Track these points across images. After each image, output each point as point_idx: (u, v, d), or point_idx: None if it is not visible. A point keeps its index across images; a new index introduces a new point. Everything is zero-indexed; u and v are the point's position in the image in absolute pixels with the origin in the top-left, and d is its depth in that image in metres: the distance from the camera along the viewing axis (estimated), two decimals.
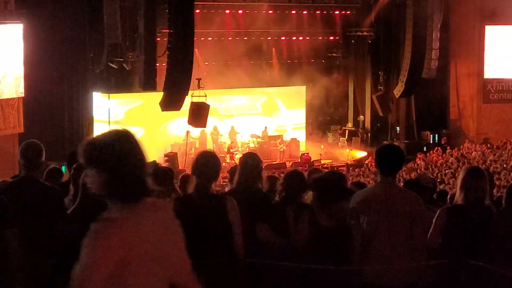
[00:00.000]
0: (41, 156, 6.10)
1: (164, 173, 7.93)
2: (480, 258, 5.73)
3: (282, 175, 7.17)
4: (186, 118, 25.80)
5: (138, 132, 27.79)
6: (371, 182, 21.03)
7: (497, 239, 5.92)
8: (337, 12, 32.06)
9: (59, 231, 5.88)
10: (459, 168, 24.61)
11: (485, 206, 5.99)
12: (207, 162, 5.76)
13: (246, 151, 22.07)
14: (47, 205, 5.88)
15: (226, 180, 11.64)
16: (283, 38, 31.47)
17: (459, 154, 28.27)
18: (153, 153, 26.15)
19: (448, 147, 29.84)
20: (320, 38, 31.98)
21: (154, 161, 10.27)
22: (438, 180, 21.28)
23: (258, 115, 31.78)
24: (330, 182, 5.98)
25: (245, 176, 6.32)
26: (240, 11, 30.01)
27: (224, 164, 26.95)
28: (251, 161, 6.44)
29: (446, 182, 21.15)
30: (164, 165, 17.02)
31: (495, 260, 5.77)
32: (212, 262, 5.42)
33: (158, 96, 25.41)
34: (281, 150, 30.27)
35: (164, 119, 27.68)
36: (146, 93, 26.73)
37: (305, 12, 31.15)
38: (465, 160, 26.41)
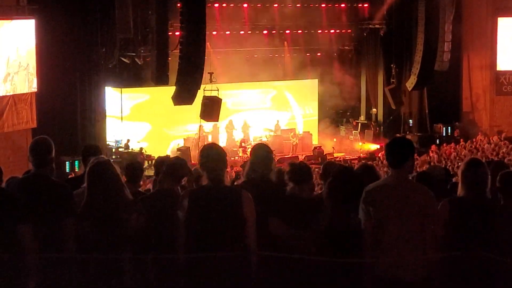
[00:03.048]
0: (50, 152, 6.05)
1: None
2: (484, 250, 5.67)
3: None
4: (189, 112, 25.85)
5: (145, 127, 27.95)
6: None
7: (500, 232, 5.85)
8: (349, 5, 31.99)
9: (69, 228, 5.87)
10: None
11: (486, 198, 5.91)
12: (213, 154, 5.75)
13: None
14: (56, 203, 5.86)
15: (240, 174, 11.68)
16: (295, 31, 31.40)
17: (472, 146, 28.14)
18: (165, 147, 26.20)
19: (461, 140, 29.72)
20: (332, 31, 31.91)
21: (167, 156, 10.32)
22: (451, 173, 21.09)
23: (269, 109, 31.78)
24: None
25: (256, 166, 6.30)
26: (252, 5, 29.98)
27: (236, 158, 27.05)
28: (261, 151, 6.42)
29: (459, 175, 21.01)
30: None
31: (498, 253, 5.70)
32: (225, 254, 5.43)
33: (165, 90, 25.40)
34: (294, 143, 30.28)
35: (172, 114, 27.63)
36: (152, 88, 26.76)
37: (316, 5, 31.05)
38: (478, 153, 26.28)
